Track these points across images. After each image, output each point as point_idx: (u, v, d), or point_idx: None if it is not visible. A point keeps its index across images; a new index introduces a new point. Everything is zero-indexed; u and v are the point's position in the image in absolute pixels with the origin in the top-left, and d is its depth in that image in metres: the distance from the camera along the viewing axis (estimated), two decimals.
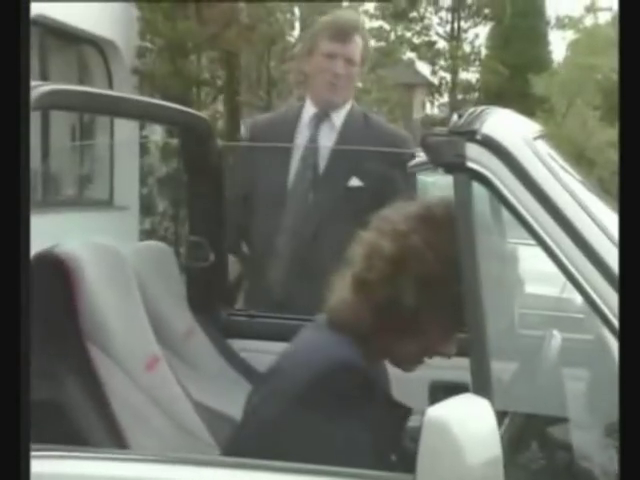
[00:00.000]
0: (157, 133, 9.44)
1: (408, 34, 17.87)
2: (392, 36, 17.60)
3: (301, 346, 1.67)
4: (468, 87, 18.26)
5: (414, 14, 17.89)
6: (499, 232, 1.90)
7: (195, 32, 9.23)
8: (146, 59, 9.51)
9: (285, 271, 2.83)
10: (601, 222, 1.41)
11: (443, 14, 17.95)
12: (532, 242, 1.43)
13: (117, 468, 1.53)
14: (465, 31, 18.01)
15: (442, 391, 1.71)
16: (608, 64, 15.89)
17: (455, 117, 1.53)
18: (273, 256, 2.85)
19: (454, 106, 16.90)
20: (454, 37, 17.77)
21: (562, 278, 1.41)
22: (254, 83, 11.06)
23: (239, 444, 1.61)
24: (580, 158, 14.43)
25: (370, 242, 1.64)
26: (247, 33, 9.67)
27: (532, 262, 1.59)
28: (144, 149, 9.50)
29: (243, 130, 3.36)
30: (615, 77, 15.02)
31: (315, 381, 1.51)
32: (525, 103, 16.11)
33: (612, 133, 14.83)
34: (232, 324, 2.55)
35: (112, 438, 1.75)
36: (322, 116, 2.96)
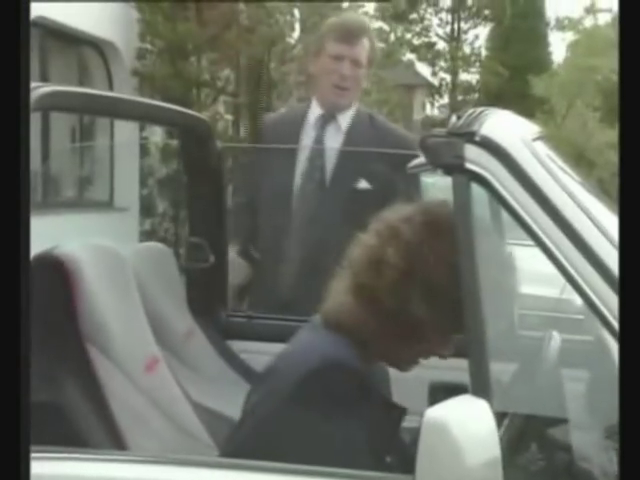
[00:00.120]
0: (157, 134, 9.44)
1: (408, 35, 17.89)
2: (392, 37, 17.60)
3: (298, 346, 1.67)
4: (468, 88, 18.27)
5: (414, 15, 17.91)
6: (498, 233, 1.90)
7: (195, 34, 9.24)
8: (146, 60, 9.52)
9: (294, 274, 2.82)
10: (600, 223, 1.41)
11: (443, 15, 17.98)
12: (531, 243, 1.43)
13: (116, 469, 1.53)
14: (465, 32, 18.03)
15: (441, 392, 1.71)
16: (608, 65, 15.89)
17: (454, 118, 1.53)
18: (282, 259, 2.84)
19: (454, 107, 16.92)
20: (454, 38, 17.78)
21: (561, 279, 1.42)
22: (254, 84, 11.06)
23: (237, 444, 1.61)
24: (580, 159, 14.43)
25: (369, 245, 1.64)
26: (247, 35, 9.68)
27: (531, 263, 1.59)
28: (144, 150, 9.51)
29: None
30: (615, 78, 15.02)
31: (311, 380, 1.51)
32: (525, 104, 16.12)
33: (612, 134, 14.83)
34: (232, 325, 2.55)
35: (111, 439, 1.75)
36: (328, 117, 2.96)
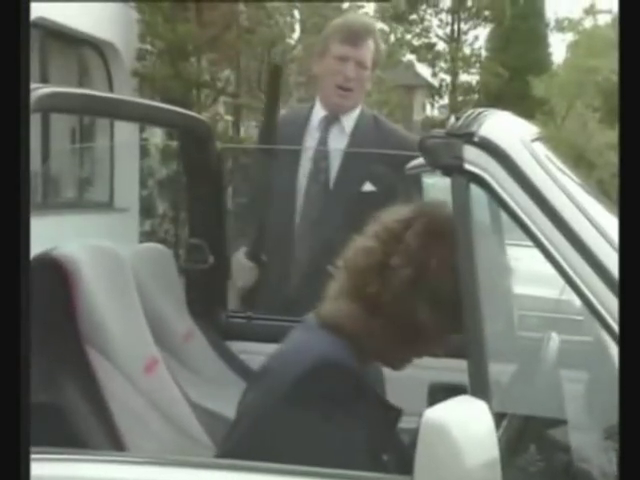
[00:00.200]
0: (157, 135, 9.46)
1: (408, 36, 17.88)
2: (392, 38, 17.60)
3: (292, 346, 1.66)
4: (468, 89, 18.26)
5: (414, 16, 17.91)
6: (497, 234, 1.90)
7: (195, 34, 9.24)
8: (146, 61, 9.53)
9: (300, 276, 2.81)
10: (599, 224, 1.41)
11: (443, 16, 17.97)
12: (530, 244, 1.43)
13: (116, 470, 1.53)
14: (465, 33, 18.02)
15: (441, 393, 1.71)
16: (608, 66, 15.89)
17: (453, 119, 1.53)
18: (289, 261, 2.82)
19: (454, 108, 16.93)
20: (454, 39, 17.78)
21: (560, 280, 1.42)
22: (254, 85, 11.07)
23: (232, 443, 1.61)
24: (580, 160, 14.43)
25: (366, 247, 1.64)
26: (247, 35, 9.69)
27: (530, 264, 1.59)
28: (144, 151, 9.52)
29: None
30: (615, 79, 15.02)
31: (307, 379, 1.51)
32: (525, 105, 16.15)
33: (612, 135, 14.82)
34: (231, 326, 2.55)
35: (111, 440, 1.75)
36: (332, 119, 2.95)
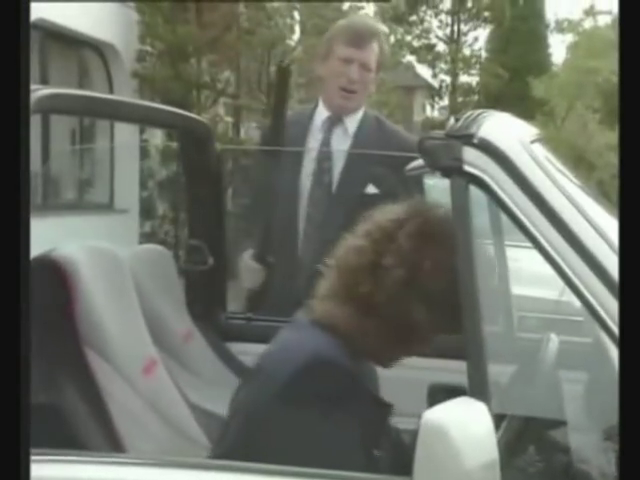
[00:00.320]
0: (157, 137, 9.47)
1: (408, 37, 17.90)
2: (392, 39, 17.61)
3: (285, 343, 1.66)
4: (468, 90, 18.28)
5: (414, 17, 17.92)
6: (496, 235, 1.90)
7: (195, 36, 9.25)
8: (146, 63, 9.54)
9: (305, 278, 2.80)
10: (598, 225, 1.42)
11: (443, 17, 17.99)
12: (529, 245, 1.43)
13: (114, 472, 1.53)
14: (465, 34, 18.04)
15: (440, 394, 1.71)
16: (608, 67, 15.88)
17: (452, 121, 1.53)
18: (293, 263, 2.82)
19: (454, 109, 16.94)
20: (454, 40, 17.80)
21: (560, 281, 1.42)
22: (254, 87, 11.07)
23: (225, 442, 1.61)
24: (580, 161, 14.42)
25: (358, 246, 1.63)
26: (247, 37, 9.69)
27: (530, 265, 1.59)
28: (144, 153, 9.53)
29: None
30: (615, 80, 15.01)
31: (299, 377, 1.51)
32: (525, 106, 16.15)
33: (612, 136, 14.81)
34: (230, 327, 2.55)
35: (110, 442, 1.75)
36: (335, 120, 2.95)
